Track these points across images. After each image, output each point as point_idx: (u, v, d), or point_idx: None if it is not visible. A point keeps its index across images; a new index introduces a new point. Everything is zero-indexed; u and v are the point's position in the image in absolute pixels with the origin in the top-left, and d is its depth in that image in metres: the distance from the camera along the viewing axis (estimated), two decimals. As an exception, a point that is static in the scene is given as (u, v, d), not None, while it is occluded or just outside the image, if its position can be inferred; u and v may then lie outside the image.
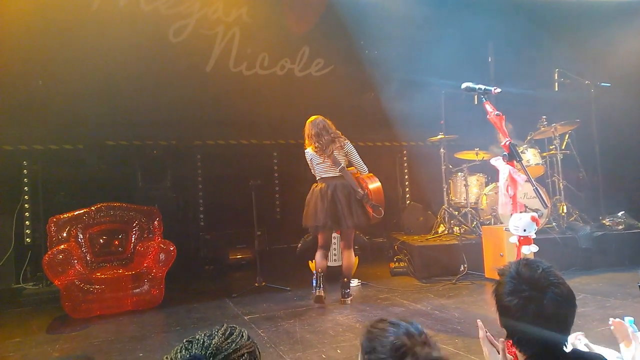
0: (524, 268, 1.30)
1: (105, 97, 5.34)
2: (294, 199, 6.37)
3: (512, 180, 2.95)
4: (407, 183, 7.13)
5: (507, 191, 2.98)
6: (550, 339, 1.24)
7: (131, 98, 5.38)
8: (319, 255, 4.19)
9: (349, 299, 4.12)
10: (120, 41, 5.26)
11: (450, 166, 5.56)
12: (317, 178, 4.20)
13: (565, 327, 1.26)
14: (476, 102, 5.38)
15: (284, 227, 6.21)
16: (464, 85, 3.23)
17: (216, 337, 1.04)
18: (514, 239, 2.90)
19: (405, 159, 7.16)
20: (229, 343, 1.03)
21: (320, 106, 6.05)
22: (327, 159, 4.10)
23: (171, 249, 4.33)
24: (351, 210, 4.02)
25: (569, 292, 1.27)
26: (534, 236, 2.84)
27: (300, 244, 4.98)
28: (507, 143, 2.92)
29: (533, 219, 2.85)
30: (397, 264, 5.12)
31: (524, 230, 2.83)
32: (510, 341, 1.43)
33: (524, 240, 2.88)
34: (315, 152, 4.14)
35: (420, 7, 5.67)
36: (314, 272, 4.18)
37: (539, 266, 1.31)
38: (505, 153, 2.94)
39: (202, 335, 1.05)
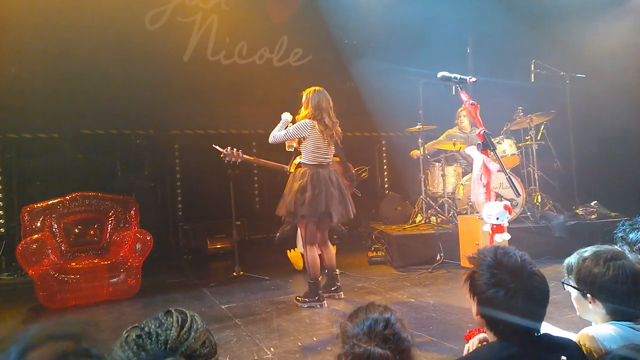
0: (504, 257, 1.28)
1: (80, 85, 5.22)
2: (274, 189, 6.38)
3: (486, 169, 3.00)
4: (385, 173, 7.19)
5: (481, 180, 3.04)
6: (523, 325, 1.24)
7: (107, 86, 5.26)
8: (315, 252, 3.67)
9: (342, 292, 3.85)
10: (96, 29, 5.14)
11: (428, 156, 5.61)
12: (312, 161, 3.56)
13: (538, 314, 1.27)
14: (454, 93, 5.43)
15: (263, 217, 6.20)
16: (439, 75, 3.25)
17: (172, 328, 0.92)
18: (487, 227, 2.95)
19: (384, 149, 7.20)
20: (187, 332, 0.93)
21: (299, 96, 6.04)
22: (330, 146, 3.59)
23: (148, 238, 4.29)
24: (350, 200, 3.73)
25: (544, 279, 1.29)
26: (506, 224, 2.90)
27: (278, 233, 4.98)
28: (482, 132, 2.96)
29: (506, 207, 2.90)
30: (374, 253, 5.18)
31: (497, 219, 2.88)
32: (477, 328, 1.44)
33: (496, 229, 2.93)
34: (321, 131, 3.52)
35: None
36: (313, 280, 3.64)
37: (516, 254, 1.30)
38: (479, 142, 2.99)
39: (152, 327, 0.92)
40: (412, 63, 5.53)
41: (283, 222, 4.57)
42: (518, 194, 4.70)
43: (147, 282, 4.36)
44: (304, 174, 3.55)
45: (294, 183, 3.59)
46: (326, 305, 3.68)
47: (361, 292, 4.10)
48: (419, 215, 5.56)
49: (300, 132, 3.56)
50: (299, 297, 3.77)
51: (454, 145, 5.32)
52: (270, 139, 3.70)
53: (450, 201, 5.32)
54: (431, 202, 5.39)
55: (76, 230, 4.48)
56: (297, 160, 3.99)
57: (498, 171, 3.02)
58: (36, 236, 4.08)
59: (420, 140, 5.46)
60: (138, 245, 4.23)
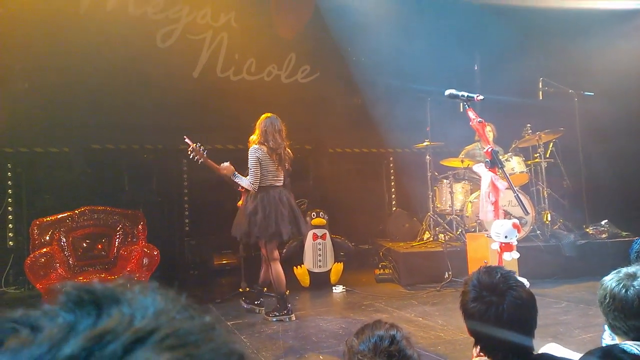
0: (484, 275, 1.35)
1: (91, 100, 5.32)
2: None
3: (494, 187, 2.99)
4: (393, 190, 7.17)
5: (489, 197, 3.02)
6: (514, 342, 1.26)
7: (118, 102, 5.35)
8: (280, 268, 3.83)
9: (263, 309, 3.96)
10: (107, 46, 5.26)
11: (436, 173, 5.60)
12: (262, 183, 3.70)
13: (528, 330, 1.29)
14: (462, 110, 5.44)
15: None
16: (447, 92, 3.27)
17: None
18: (495, 246, 2.92)
19: (391, 165, 7.19)
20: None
21: (306, 112, 6.11)
22: (279, 167, 3.76)
23: (155, 253, 4.29)
24: (301, 217, 3.93)
25: (529, 295, 1.32)
26: (515, 243, 2.87)
27: (285, 250, 4.96)
28: (490, 150, 2.96)
29: (514, 225, 2.87)
30: (382, 270, 5.13)
31: (505, 237, 2.86)
32: (478, 347, 1.45)
33: (505, 247, 2.90)
34: (268, 154, 3.73)
35: (407, 15, 5.74)
36: (280, 295, 3.76)
37: (498, 272, 1.35)
38: (487, 160, 2.98)
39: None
40: (419, 80, 5.57)
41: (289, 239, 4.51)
42: (527, 212, 4.65)
43: (153, 297, 4.34)
44: (255, 196, 3.73)
45: (247, 205, 3.75)
46: (294, 318, 3.77)
47: (368, 310, 4.04)
48: (427, 232, 5.51)
49: (252, 159, 3.73)
50: (268, 312, 3.85)
51: (462, 163, 5.30)
52: (251, 188, 3.74)
53: (458, 218, 5.28)
54: (439, 220, 5.35)
55: (84, 244, 4.50)
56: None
57: (506, 189, 3.00)
58: (45, 250, 4.10)
59: (427, 157, 5.46)
60: (145, 260, 4.24)
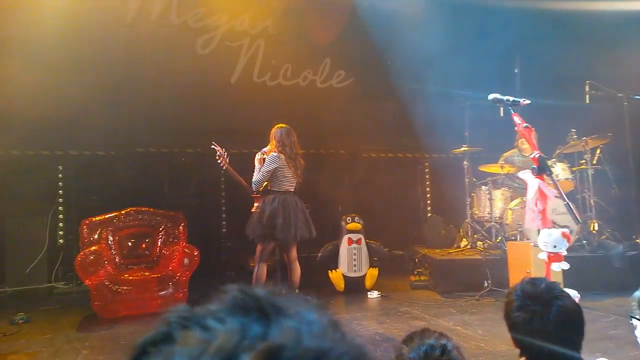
0: (527, 285, 1.35)
1: (135, 106, 5.54)
2: (316, 209, 6.41)
3: (542, 195, 2.88)
4: (428, 195, 7.05)
5: (536, 205, 2.91)
6: (561, 353, 1.24)
7: (160, 107, 5.56)
8: (265, 270, 4.08)
9: None
10: (150, 53, 5.48)
11: (474, 179, 5.47)
12: (276, 188, 3.97)
13: (576, 342, 1.27)
14: (502, 114, 5.28)
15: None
16: (491, 97, 3.20)
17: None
18: (543, 255, 2.82)
19: (427, 170, 7.09)
20: None
21: (341, 117, 6.13)
22: (294, 174, 4.01)
23: (195, 253, 4.42)
24: (310, 221, 4.12)
25: (575, 305, 1.30)
26: (564, 253, 2.76)
27: (320, 253, 4.99)
28: (537, 156, 2.86)
29: (564, 234, 2.77)
30: (417, 277, 5.06)
31: (554, 247, 2.76)
32: (524, 358, 1.42)
33: (553, 257, 2.80)
34: (286, 161, 3.98)
35: (446, 18, 5.66)
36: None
37: (542, 282, 1.35)
38: (534, 166, 2.88)
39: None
40: (457, 84, 5.47)
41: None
42: (578, 222, 4.47)
43: (193, 296, 4.47)
44: (274, 200, 3.94)
45: (264, 207, 3.95)
46: None
47: (405, 317, 4.00)
48: (464, 239, 5.40)
49: (270, 165, 3.95)
50: None
51: (502, 169, 5.16)
52: (254, 187, 4.04)
53: (497, 226, 5.14)
54: (477, 227, 5.22)
55: (129, 243, 4.69)
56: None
57: (555, 197, 2.90)
58: (94, 248, 4.31)
59: (465, 162, 5.35)
60: (186, 260, 4.37)
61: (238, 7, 5.81)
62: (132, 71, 5.47)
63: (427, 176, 7.05)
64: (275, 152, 3.99)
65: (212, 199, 6.32)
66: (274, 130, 4.11)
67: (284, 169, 3.97)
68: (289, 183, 4.02)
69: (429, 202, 6.98)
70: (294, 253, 4.12)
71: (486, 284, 4.59)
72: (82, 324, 4.04)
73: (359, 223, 5.05)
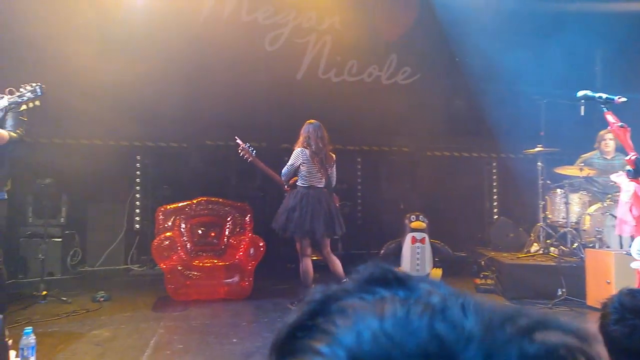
0: (626, 297, 1.27)
1: (205, 100, 5.80)
2: (376, 205, 6.37)
3: (637, 199, 2.68)
4: (495, 197, 6.75)
5: (631, 211, 2.71)
6: None
7: (228, 102, 5.77)
8: (308, 263, 4.09)
9: None
10: (219, 48, 5.70)
11: (548, 181, 5.15)
12: (304, 183, 4.05)
13: None
14: (583, 113, 4.94)
15: (364, 233, 6.20)
16: (580, 93, 3.02)
17: None
18: (636, 265, 2.63)
19: (494, 171, 6.78)
20: None
21: (405, 114, 6.02)
22: (321, 170, 4.04)
23: (260, 244, 4.56)
24: (339, 218, 4.14)
25: None
26: (660, 263, 2.55)
27: (382, 250, 4.95)
28: (633, 158, 2.66)
29: (659, 243, 2.56)
30: (483, 280, 4.86)
31: (649, 256, 2.56)
32: None
33: (647, 267, 2.60)
34: (310, 157, 4.03)
35: (520, 12, 5.38)
36: (308, 287, 4.00)
37: None
38: (629, 169, 2.68)
39: None
40: (532, 81, 5.17)
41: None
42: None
43: (257, 285, 4.62)
44: (297, 194, 4.05)
45: (288, 201, 4.09)
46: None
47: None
48: (535, 244, 5.10)
49: (295, 160, 4.08)
50: (294, 302, 4.09)
51: (581, 171, 4.82)
52: (283, 179, 4.20)
53: (574, 232, 4.80)
54: (551, 232, 4.92)
55: (199, 231, 4.93)
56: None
57: (654, 201, 2.67)
58: (168, 234, 4.58)
59: (539, 163, 5.05)
60: (252, 250, 4.52)
61: (306, 3, 5.90)
62: (205, 68, 5.73)
63: (495, 177, 6.75)
64: (299, 147, 4.08)
65: (274, 193, 6.46)
66: (303, 126, 4.20)
67: (308, 164, 4.03)
68: (315, 179, 4.07)
69: (495, 203, 6.67)
70: (308, 249, 4.14)
71: (560, 292, 4.31)
72: (157, 305, 4.31)
73: (423, 222, 4.95)
